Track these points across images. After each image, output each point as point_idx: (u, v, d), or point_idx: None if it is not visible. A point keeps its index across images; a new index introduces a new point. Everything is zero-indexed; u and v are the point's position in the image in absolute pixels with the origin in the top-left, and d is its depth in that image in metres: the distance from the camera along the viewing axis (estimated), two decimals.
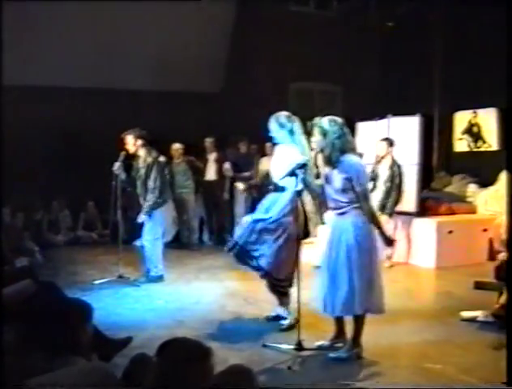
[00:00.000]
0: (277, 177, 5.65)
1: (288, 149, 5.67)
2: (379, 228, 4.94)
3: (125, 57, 11.21)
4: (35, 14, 10.13)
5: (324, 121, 4.90)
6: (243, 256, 5.71)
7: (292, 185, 5.35)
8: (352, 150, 4.93)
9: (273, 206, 5.64)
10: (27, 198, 10.48)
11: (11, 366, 2.95)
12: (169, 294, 7.25)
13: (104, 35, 10.79)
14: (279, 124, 5.70)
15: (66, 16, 10.46)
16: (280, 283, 5.73)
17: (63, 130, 11.12)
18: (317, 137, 4.91)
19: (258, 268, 5.68)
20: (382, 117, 10.11)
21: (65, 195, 11.31)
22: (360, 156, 5.08)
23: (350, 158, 4.84)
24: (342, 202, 4.85)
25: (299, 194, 5.26)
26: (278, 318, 5.96)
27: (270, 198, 5.76)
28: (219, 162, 10.85)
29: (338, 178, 4.82)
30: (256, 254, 5.62)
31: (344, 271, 4.81)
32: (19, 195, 9.99)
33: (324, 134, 4.84)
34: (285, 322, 5.76)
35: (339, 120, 4.94)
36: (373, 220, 4.89)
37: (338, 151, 4.82)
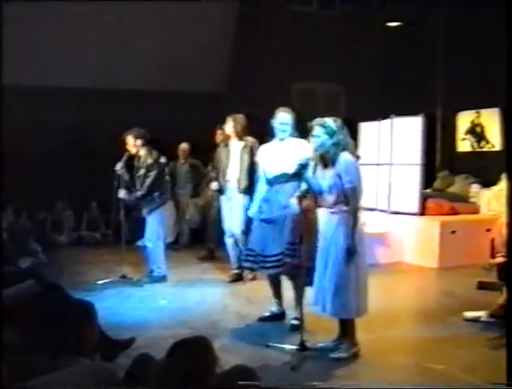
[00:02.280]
0: (289, 168, 5.61)
1: (298, 142, 5.68)
2: (353, 231, 4.82)
3: (128, 57, 11.23)
4: (35, 14, 10.14)
5: (330, 121, 4.90)
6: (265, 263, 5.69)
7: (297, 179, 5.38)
8: (350, 149, 4.93)
9: (286, 197, 5.57)
10: (30, 199, 10.51)
11: (15, 366, 2.96)
12: (172, 294, 7.25)
13: (107, 35, 10.81)
14: (293, 116, 5.76)
15: (66, 16, 10.47)
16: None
17: (66, 131, 11.14)
18: (322, 137, 4.89)
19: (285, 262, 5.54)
20: (385, 117, 10.12)
21: (68, 195, 11.34)
22: (358, 158, 5.05)
23: (344, 155, 4.84)
24: (332, 201, 4.86)
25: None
26: (271, 318, 5.99)
27: (279, 190, 5.70)
28: None
29: (330, 175, 4.84)
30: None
31: (331, 272, 4.83)
32: (23, 195, 10.02)
33: (331, 133, 4.83)
34: (296, 322, 5.61)
35: (339, 119, 4.98)
36: (354, 219, 4.82)
37: (340, 149, 4.84)
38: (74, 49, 10.74)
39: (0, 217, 7.73)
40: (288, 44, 12.54)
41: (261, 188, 5.92)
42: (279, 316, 6.00)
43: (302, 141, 5.64)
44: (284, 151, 5.69)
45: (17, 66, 9.04)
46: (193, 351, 2.78)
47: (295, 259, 5.36)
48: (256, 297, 6.86)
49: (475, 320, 5.97)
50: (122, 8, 10.61)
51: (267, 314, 6.07)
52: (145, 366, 3.19)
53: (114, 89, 11.24)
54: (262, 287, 6.22)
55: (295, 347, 4.98)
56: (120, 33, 10.92)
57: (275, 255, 5.58)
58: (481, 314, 6.00)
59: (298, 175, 5.47)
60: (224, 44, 12.48)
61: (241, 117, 7.75)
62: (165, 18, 11.17)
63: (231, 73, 12.82)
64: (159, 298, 7.06)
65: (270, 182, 5.77)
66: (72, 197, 11.30)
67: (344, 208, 4.82)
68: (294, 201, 5.28)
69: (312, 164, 5.07)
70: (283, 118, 5.75)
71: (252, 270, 6.26)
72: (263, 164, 5.93)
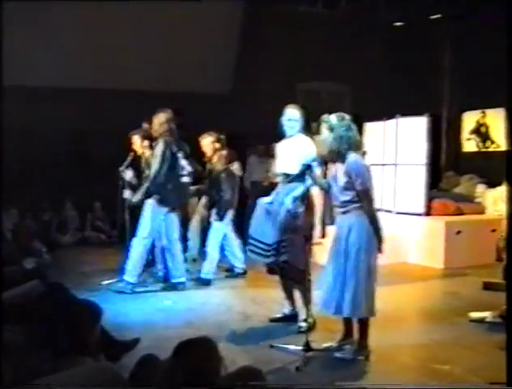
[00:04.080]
0: (291, 168, 5.59)
1: (302, 140, 5.67)
2: (377, 231, 4.86)
3: (132, 57, 11.23)
4: (36, 14, 10.16)
5: (332, 117, 4.92)
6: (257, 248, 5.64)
7: (303, 179, 5.38)
8: (358, 147, 4.93)
9: (285, 196, 5.53)
10: (34, 199, 10.52)
11: (20, 366, 2.96)
12: (177, 295, 7.25)
13: (109, 35, 10.82)
14: (301, 113, 5.73)
15: (67, 16, 10.48)
16: (302, 274, 5.51)
17: (70, 131, 11.15)
18: (324, 133, 4.92)
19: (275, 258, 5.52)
20: (390, 117, 10.10)
21: (72, 196, 11.35)
22: (364, 153, 5.05)
23: (354, 156, 4.83)
24: (344, 200, 4.86)
25: (308, 190, 5.27)
26: (283, 319, 5.94)
27: (284, 188, 5.65)
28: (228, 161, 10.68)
29: (341, 176, 4.84)
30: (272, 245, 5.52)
31: (346, 272, 4.81)
32: (27, 196, 10.03)
33: (331, 128, 4.86)
34: (304, 324, 5.57)
35: (347, 116, 4.96)
36: (372, 221, 4.84)
37: (344, 145, 4.82)
38: (77, 48, 10.75)
39: (0, 217, 7.73)
40: (292, 44, 12.52)
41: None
42: (290, 318, 5.91)
43: (308, 140, 5.65)
44: (291, 151, 5.65)
45: (20, 66, 9.06)
46: (197, 351, 2.78)
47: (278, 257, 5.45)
48: (261, 298, 6.85)
49: (481, 321, 5.96)
50: (124, 8, 10.61)
51: (279, 315, 6.01)
52: (150, 367, 3.19)
53: (118, 89, 11.24)
54: (267, 287, 6.21)
55: (300, 347, 4.97)
56: (122, 33, 10.92)
57: (267, 244, 5.53)
58: (487, 314, 5.98)
59: (303, 175, 5.42)
60: (228, 44, 12.47)
61: (162, 111, 7.30)
62: (167, 17, 11.17)
63: (235, 73, 12.81)
64: (163, 298, 7.06)
65: (281, 181, 5.73)
66: (77, 197, 11.31)
67: (358, 208, 4.82)
68: (288, 201, 5.32)
69: (317, 162, 5.10)
70: (290, 114, 5.71)
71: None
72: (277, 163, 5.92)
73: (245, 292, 7.31)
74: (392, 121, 10.04)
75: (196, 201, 9.19)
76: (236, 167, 10.76)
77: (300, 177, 5.47)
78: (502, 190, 9.61)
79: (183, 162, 7.45)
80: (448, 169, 11.89)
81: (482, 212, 10.14)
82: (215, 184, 7.96)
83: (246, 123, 11.54)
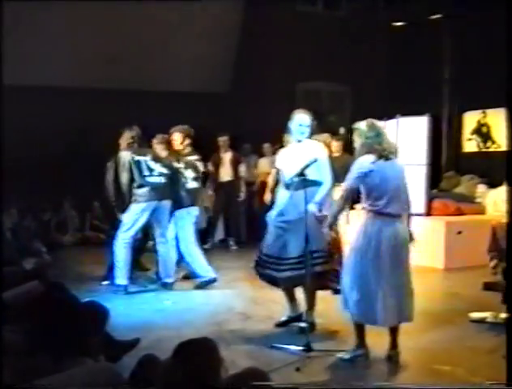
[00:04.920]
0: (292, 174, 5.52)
1: (313, 145, 5.66)
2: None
3: (131, 57, 11.23)
4: (36, 14, 10.16)
5: (361, 124, 4.93)
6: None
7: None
8: (381, 153, 4.83)
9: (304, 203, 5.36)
10: (34, 199, 10.51)
11: (19, 367, 2.96)
12: (177, 295, 7.24)
13: (109, 35, 10.82)
14: (311, 118, 5.69)
15: (66, 16, 10.48)
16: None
17: (69, 131, 11.15)
18: (355, 139, 4.96)
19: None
20: (391, 117, 10.09)
21: (72, 196, 11.34)
22: (382, 157, 4.92)
23: (362, 157, 4.82)
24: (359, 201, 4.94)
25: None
26: (289, 321, 5.85)
27: (295, 195, 5.50)
28: (235, 162, 10.69)
29: None
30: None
31: (354, 272, 4.84)
32: (27, 196, 10.02)
33: (360, 135, 4.88)
34: (305, 325, 5.41)
35: (378, 123, 4.97)
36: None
37: (365, 151, 4.81)
38: (75, 48, 10.75)
39: (1, 217, 7.73)
40: (292, 44, 12.52)
41: (281, 192, 5.77)
42: (296, 319, 5.80)
43: (318, 143, 5.64)
44: (302, 154, 5.51)
45: (20, 65, 9.06)
46: (198, 352, 2.77)
47: (324, 266, 5.45)
48: (261, 298, 6.85)
49: (481, 321, 5.95)
50: (124, 7, 10.61)
51: (284, 318, 5.89)
52: (150, 367, 3.19)
53: (118, 89, 11.24)
54: (268, 288, 6.19)
55: (300, 348, 4.96)
56: (121, 33, 10.92)
57: (293, 258, 5.44)
58: (487, 314, 5.97)
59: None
60: (228, 44, 12.46)
61: (128, 130, 7.82)
62: (168, 17, 11.17)
63: (235, 73, 12.80)
64: (163, 299, 7.05)
65: (289, 186, 5.62)
66: (76, 197, 11.30)
67: (365, 209, 4.87)
68: (313, 208, 5.29)
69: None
70: (301, 120, 5.63)
71: (270, 277, 5.76)
72: (282, 168, 5.82)
73: (246, 293, 7.30)
74: (392, 121, 10.03)
75: None
76: (243, 169, 10.84)
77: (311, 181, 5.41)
78: (503, 190, 9.61)
79: (154, 166, 7.49)
80: (448, 169, 11.88)
81: (482, 212, 10.12)
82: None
83: (239, 123, 11.55)
